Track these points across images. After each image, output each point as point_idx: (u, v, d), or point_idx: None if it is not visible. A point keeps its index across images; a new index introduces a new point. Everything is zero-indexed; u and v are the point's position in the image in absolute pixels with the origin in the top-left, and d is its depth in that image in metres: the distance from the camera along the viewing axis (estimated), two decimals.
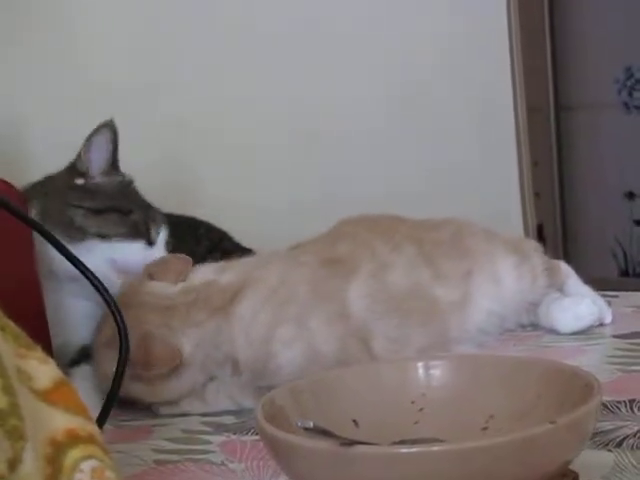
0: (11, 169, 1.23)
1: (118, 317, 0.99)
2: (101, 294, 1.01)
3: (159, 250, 1.22)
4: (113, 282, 1.15)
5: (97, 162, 1.21)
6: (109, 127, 1.20)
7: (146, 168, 1.33)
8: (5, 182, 1.08)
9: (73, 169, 1.22)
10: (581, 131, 3.40)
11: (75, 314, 1.20)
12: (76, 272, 1.04)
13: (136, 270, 1.18)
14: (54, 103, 1.63)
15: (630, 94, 3.32)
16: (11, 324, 0.62)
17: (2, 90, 1.56)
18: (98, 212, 1.19)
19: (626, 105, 3.35)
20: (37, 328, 1.02)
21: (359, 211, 1.67)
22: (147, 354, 1.06)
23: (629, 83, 3.32)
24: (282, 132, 1.74)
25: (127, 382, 1.02)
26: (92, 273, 1.04)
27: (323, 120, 1.76)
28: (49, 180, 1.24)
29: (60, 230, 1.12)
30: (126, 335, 0.99)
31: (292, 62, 1.76)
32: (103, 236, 1.18)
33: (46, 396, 0.63)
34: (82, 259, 1.11)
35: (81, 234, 1.17)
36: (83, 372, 1.17)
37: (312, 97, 1.77)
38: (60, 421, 0.63)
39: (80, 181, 1.21)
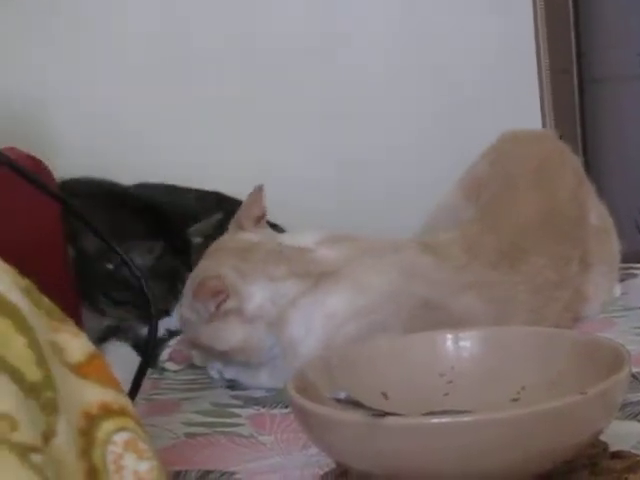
0: (41, 145, 1.24)
1: (152, 303, 1.00)
2: (139, 283, 1.01)
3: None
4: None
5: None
6: None
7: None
8: (34, 158, 1.08)
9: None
10: (605, 104, 3.38)
11: None
12: None
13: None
14: (76, 83, 1.65)
15: None
16: (45, 299, 0.62)
17: (28, 72, 1.58)
18: (118, 304, 1.21)
19: None
20: (68, 303, 1.02)
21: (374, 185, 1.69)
22: (199, 286, 1.07)
23: None
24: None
25: (197, 326, 1.08)
26: (133, 262, 1.04)
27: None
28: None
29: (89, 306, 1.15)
30: (157, 312, 1.00)
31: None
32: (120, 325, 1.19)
33: (79, 369, 0.63)
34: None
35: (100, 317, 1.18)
36: (113, 347, 1.19)
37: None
38: (93, 394, 0.63)
39: (110, 266, 1.21)
